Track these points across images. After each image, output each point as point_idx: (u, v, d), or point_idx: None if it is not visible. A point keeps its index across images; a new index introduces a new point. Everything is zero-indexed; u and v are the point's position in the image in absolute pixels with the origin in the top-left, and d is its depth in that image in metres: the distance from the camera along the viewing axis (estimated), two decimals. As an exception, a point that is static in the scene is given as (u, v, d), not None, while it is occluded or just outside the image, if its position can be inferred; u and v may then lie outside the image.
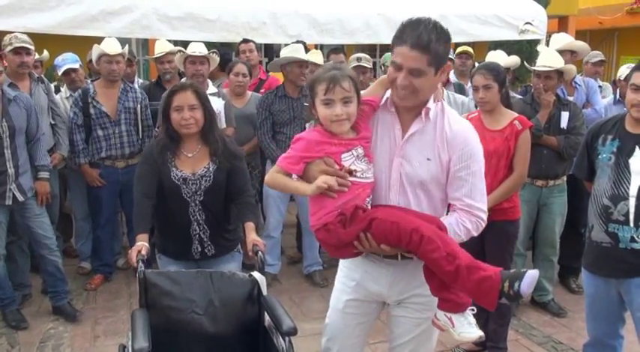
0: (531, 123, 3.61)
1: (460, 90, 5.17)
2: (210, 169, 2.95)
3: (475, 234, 2.17)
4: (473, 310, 2.08)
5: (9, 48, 4.23)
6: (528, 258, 4.65)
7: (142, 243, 2.66)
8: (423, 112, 2.09)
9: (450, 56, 5.35)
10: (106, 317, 4.24)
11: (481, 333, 2.08)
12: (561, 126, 4.16)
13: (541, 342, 3.98)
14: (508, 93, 3.61)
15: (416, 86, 2.01)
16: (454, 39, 6.71)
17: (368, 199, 2.12)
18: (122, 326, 4.04)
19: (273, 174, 2.16)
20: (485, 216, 2.15)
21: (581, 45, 4.23)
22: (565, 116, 4.16)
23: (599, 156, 2.90)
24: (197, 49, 4.55)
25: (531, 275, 1.93)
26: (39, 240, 4.01)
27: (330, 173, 2.03)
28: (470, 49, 5.72)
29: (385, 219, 2.01)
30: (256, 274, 2.57)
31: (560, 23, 12.47)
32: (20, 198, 3.87)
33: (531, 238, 4.53)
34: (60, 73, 4.90)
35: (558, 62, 4.16)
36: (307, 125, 2.09)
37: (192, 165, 2.95)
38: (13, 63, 4.23)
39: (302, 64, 4.62)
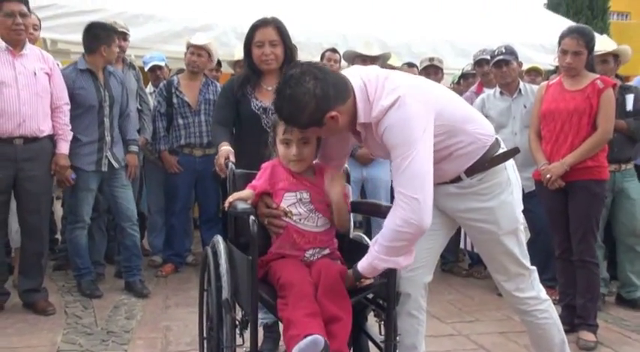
0: (614, 81, 3.55)
1: None
2: None
3: (408, 230, 1.96)
4: None
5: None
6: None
7: (227, 148, 2.65)
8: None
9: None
10: (177, 294, 4.23)
11: None
12: (627, 109, 4.07)
13: (635, 329, 3.69)
14: (593, 58, 3.56)
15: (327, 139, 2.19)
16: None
17: (311, 251, 2.15)
18: (193, 301, 3.96)
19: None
20: (411, 202, 1.93)
21: (624, 48, 4.20)
22: (630, 98, 4.08)
23: None
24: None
25: (310, 340, 1.81)
26: (122, 211, 4.12)
27: (265, 212, 2.15)
28: (539, 66, 5.75)
29: (273, 263, 2.12)
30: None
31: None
32: (115, 165, 4.06)
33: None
34: (147, 68, 5.20)
35: (611, 45, 4.09)
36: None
37: (272, 97, 3.00)
38: (112, 45, 4.51)
39: (365, 59, 4.76)
